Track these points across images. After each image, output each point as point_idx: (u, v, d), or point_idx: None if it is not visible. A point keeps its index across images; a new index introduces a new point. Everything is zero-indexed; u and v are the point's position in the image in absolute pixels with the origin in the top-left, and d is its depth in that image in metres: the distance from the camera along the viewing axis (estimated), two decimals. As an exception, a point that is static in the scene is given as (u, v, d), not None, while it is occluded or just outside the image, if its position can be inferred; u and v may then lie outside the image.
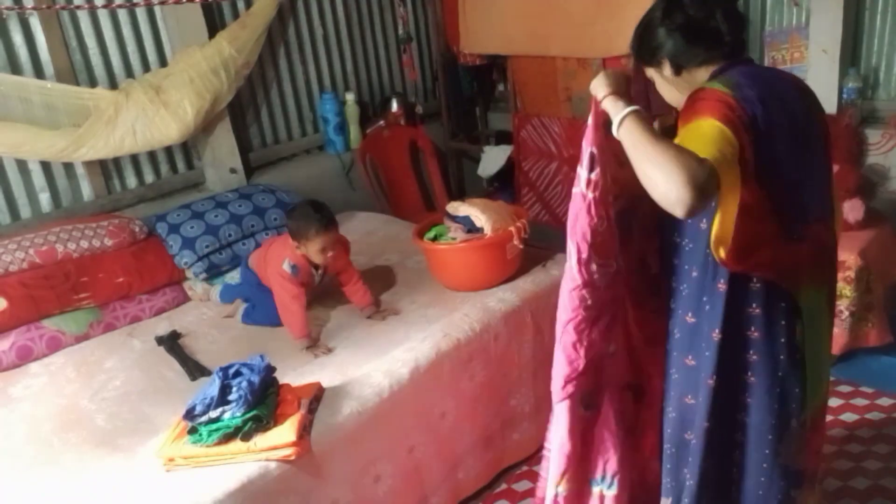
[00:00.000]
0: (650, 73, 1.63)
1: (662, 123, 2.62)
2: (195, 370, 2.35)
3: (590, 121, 1.52)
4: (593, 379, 1.66)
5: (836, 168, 2.22)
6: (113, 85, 3.04)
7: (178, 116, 2.98)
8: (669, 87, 1.61)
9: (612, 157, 1.54)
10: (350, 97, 3.82)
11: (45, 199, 2.97)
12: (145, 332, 2.64)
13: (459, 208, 2.70)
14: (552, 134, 3.70)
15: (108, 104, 2.85)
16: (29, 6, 2.78)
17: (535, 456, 2.70)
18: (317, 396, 2.08)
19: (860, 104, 3.15)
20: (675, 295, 1.63)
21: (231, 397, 1.89)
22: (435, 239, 2.75)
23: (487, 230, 2.60)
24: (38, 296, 2.55)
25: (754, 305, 1.52)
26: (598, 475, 1.77)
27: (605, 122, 1.49)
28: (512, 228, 2.61)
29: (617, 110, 1.41)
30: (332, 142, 3.78)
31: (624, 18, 2.85)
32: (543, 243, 2.89)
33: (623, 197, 1.62)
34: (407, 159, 4.08)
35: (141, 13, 3.12)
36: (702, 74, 1.54)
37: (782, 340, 1.54)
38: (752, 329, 1.54)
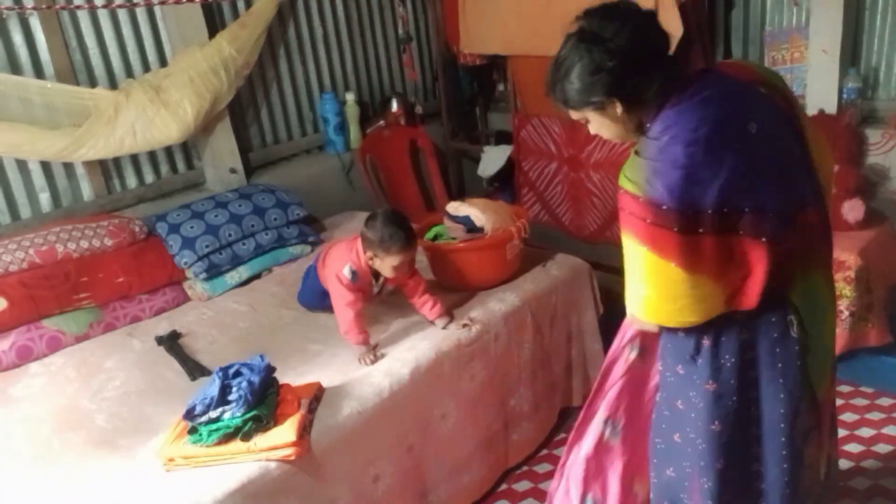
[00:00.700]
0: (584, 116, 1.54)
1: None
2: (195, 370, 2.35)
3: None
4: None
5: (836, 168, 2.21)
6: (113, 85, 3.04)
7: (178, 116, 2.98)
8: (615, 125, 1.53)
9: None
10: (350, 97, 3.82)
11: (45, 199, 2.97)
12: (145, 332, 2.64)
13: (459, 208, 2.70)
14: (552, 134, 3.70)
15: (108, 104, 2.85)
16: (29, 6, 2.78)
17: (536, 456, 2.71)
18: (317, 396, 2.08)
19: (860, 104, 3.14)
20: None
21: (231, 397, 1.89)
22: (435, 239, 2.75)
23: (487, 230, 2.61)
24: (38, 296, 2.55)
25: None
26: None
27: None
28: (512, 228, 2.61)
29: None
30: (333, 142, 3.78)
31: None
32: (543, 243, 2.89)
33: None
34: (407, 159, 4.08)
35: (141, 13, 3.12)
36: (651, 99, 1.46)
37: (775, 336, 1.53)
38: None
